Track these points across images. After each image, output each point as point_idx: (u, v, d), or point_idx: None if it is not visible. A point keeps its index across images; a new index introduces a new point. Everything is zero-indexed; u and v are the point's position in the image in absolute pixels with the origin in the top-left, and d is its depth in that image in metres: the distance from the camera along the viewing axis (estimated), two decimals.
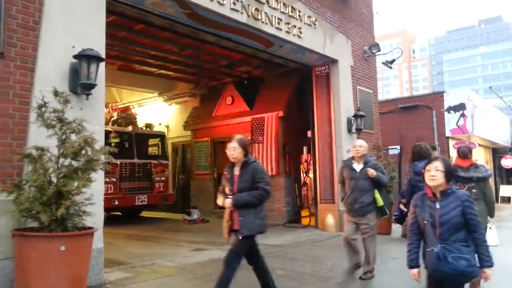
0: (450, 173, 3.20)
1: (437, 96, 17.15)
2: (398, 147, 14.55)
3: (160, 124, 15.84)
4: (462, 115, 16.61)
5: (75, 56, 4.90)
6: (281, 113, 11.64)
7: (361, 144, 5.68)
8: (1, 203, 4.21)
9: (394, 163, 11.14)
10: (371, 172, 5.41)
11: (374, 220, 5.53)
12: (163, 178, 12.75)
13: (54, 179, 4.11)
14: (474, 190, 5.05)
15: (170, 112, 15.90)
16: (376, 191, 5.45)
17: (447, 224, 3.08)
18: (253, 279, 5.43)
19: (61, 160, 4.18)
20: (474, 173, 5.09)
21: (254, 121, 11.94)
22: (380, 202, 5.41)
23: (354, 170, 5.57)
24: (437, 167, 3.17)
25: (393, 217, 9.83)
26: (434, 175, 3.16)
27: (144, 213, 14.24)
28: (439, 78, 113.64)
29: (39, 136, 4.45)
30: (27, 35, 4.80)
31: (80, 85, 4.95)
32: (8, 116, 4.56)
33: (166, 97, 15.42)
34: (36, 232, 3.99)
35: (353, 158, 5.71)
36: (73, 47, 5.02)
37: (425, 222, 3.15)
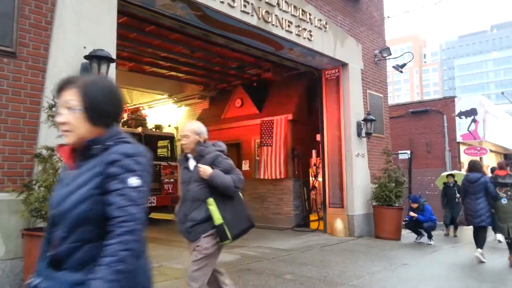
0: (94, 109, 1.54)
1: (448, 101, 17.01)
2: (408, 152, 14.42)
3: (169, 125, 15.87)
4: (474, 120, 16.45)
5: (86, 57, 4.91)
6: (290, 116, 11.59)
7: (187, 132, 3.62)
8: (11, 203, 4.23)
9: (404, 168, 11.05)
10: (202, 170, 3.48)
11: (210, 249, 3.50)
12: (172, 180, 12.75)
13: None
14: (509, 193, 7.04)
15: (180, 113, 15.94)
16: (211, 202, 3.47)
17: (65, 221, 1.50)
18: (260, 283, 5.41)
19: None
20: (509, 179, 7.08)
21: (263, 124, 11.90)
22: (218, 219, 3.44)
23: (187, 169, 3.69)
24: (68, 101, 1.52)
25: (403, 223, 9.73)
26: (63, 122, 1.53)
27: (153, 215, 14.24)
28: (450, 83, 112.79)
29: (49, 136, 4.47)
30: (39, 35, 4.82)
31: None
32: (19, 116, 4.59)
33: (175, 98, 15.46)
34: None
35: None
36: (84, 47, 5.04)
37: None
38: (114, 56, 5.21)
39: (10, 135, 4.51)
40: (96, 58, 4.87)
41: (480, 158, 17.74)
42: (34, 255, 3.87)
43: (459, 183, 10.66)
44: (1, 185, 4.37)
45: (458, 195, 10.72)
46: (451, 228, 10.96)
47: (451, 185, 11.00)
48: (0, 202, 4.29)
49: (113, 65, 5.19)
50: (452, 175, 11.23)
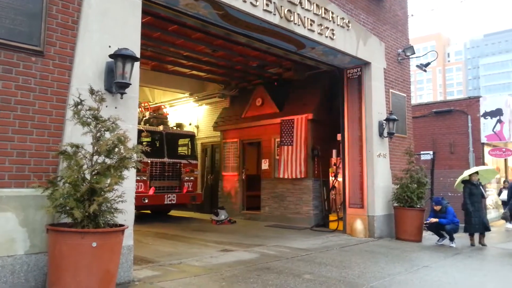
0: None
1: (473, 101, 16.65)
2: (431, 152, 14.17)
3: (190, 124, 16.02)
4: (499, 121, 16.08)
5: (111, 56, 4.99)
6: (310, 116, 11.55)
7: None
8: (37, 198, 4.34)
9: (426, 169, 10.85)
10: None
11: None
12: (192, 178, 12.86)
13: (88, 176, 4.20)
14: None
15: (200, 112, 16.05)
16: None
17: None
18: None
19: (95, 157, 4.27)
20: None
21: (283, 123, 11.89)
22: None
23: None
24: None
25: (425, 224, 9.58)
26: None
27: (173, 212, 14.41)
28: (474, 83, 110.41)
29: (75, 133, 4.56)
30: (66, 34, 4.92)
31: (115, 84, 5.03)
32: (45, 113, 4.69)
33: (196, 97, 15.58)
34: (69, 227, 4.09)
35: None
36: (109, 46, 5.12)
37: None
38: (138, 55, 5.27)
39: (37, 132, 4.62)
40: (120, 57, 4.94)
41: (505, 159, 17.33)
42: (58, 251, 3.96)
43: (482, 180, 9.76)
44: (27, 181, 4.48)
45: (485, 195, 9.88)
46: (476, 235, 9.32)
47: (479, 183, 9.51)
48: (26, 197, 4.40)
49: (137, 64, 5.25)
50: (477, 172, 9.63)
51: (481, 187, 9.47)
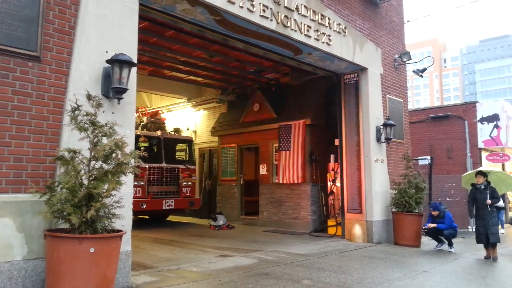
0: None
1: (470, 106, 16.70)
2: (429, 157, 14.18)
3: (188, 129, 16.02)
4: (496, 126, 16.12)
5: (108, 61, 4.98)
6: (308, 121, 11.56)
7: None
8: (34, 204, 4.32)
9: (424, 174, 10.85)
10: None
11: None
12: (190, 183, 12.84)
13: (85, 181, 4.18)
14: None
15: (198, 117, 16.06)
16: None
17: None
18: None
19: (92, 162, 4.26)
20: None
21: (281, 128, 11.90)
22: None
23: None
24: None
25: (424, 230, 9.57)
26: None
27: (171, 217, 14.36)
28: (471, 88, 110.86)
29: (72, 139, 4.55)
30: (63, 40, 4.92)
31: (112, 89, 5.03)
32: (42, 119, 4.68)
33: (194, 102, 15.60)
34: (66, 233, 4.07)
35: None
36: (106, 51, 5.12)
37: None
38: (135, 61, 5.26)
39: (34, 137, 4.61)
40: (117, 62, 4.94)
41: (503, 164, 17.37)
42: (55, 256, 3.94)
43: (494, 184, 8.71)
44: (25, 186, 4.46)
45: (489, 200, 8.20)
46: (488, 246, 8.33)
47: (482, 187, 8.38)
48: (23, 203, 4.38)
49: (134, 69, 5.25)
50: (484, 174, 8.56)
51: (487, 191, 8.30)
